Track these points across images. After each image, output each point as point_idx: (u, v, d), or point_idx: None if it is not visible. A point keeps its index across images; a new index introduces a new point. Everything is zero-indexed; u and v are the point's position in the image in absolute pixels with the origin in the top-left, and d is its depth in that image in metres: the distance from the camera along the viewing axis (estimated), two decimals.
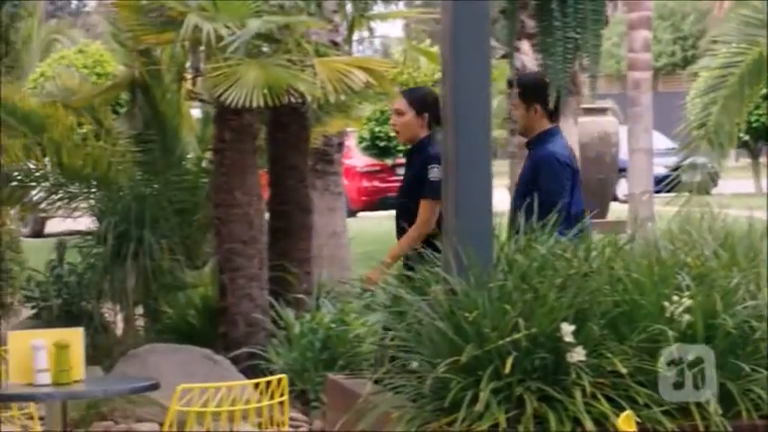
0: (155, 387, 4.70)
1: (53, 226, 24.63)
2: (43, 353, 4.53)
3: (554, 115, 6.45)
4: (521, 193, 6.26)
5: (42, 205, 10.77)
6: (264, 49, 9.09)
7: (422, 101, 6.83)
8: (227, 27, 8.64)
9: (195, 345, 8.88)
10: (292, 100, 8.76)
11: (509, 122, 9.90)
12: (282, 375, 4.17)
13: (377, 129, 32.83)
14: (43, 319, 10.12)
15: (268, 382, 3.96)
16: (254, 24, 8.66)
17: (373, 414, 4.65)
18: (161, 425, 8.23)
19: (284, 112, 9.29)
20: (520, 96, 6.42)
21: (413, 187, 6.79)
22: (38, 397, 4.52)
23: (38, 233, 22.59)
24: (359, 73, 8.73)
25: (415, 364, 5.10)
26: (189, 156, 10.82)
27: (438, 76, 12.28)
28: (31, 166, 10.50)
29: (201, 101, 10.11)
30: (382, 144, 32.84)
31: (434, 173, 6.58)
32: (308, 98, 8.86)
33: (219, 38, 8.62)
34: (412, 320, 5.04)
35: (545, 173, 6.31)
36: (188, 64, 10.02)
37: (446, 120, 4.93)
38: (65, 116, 10.51)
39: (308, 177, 9.88)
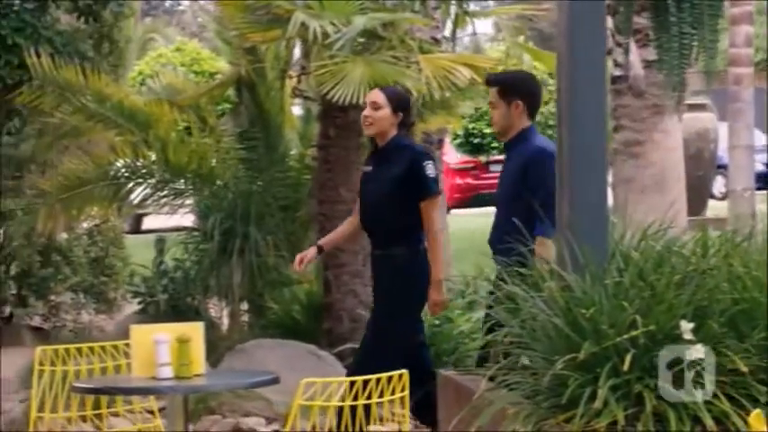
0: (275, 381, 4.75)
1: (149, 222, 25.01)
2: (166, 347, 4.60)
3: (534, 112, 6.34)
4: (509, 195, 6.21)
5: (148, 202, 10.90)
6: (369, 46, 9.11)
7: (399, 100, 6.76)
8: (333, 24, 8.70)
9: (299, 340, 8.95)
10: None
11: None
12: (404, 371, 4.21)
13: (471, 125, 32.83)
14: (149, 314, 10.27)
15: (390, 378, 4.00)
16: (360, 21, 8.71)
17: (490, 411, 4.65)
18: (267, 419, 8.34)
19: None
20: (499, 95, 6.26)
21: (398, 184, 6.60)
22: (161, 390, 4.59)
23: (135, 229, 22.92)
24: (463, 69, 8.74)
25: (526, 361, 5.11)
26: (291, 153, 10.90)
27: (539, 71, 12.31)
28: (137, 163, 10.64)
29: (306, 98, 10.19)
30: (476, 141, 32.81)
31: (429, 169, 6.58)
32: (413, 95, 8.88)
33: (325, 35, 8.67)
34: (526, 317, 5.05)
35: (541, 171, 6.09)
36: (292, 62, 10.10)
37: (561, 116, 4.93)
38: (170, 114, 10.66)
39: None
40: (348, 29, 8.69)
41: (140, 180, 10.63)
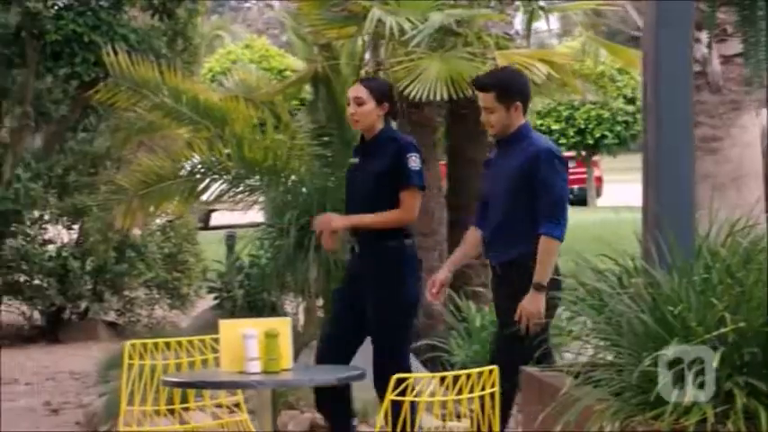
0: (361, 377, 4.78)
1: (218, 219, 25.20)
2: (254, 342, 4.64)
3: (527, 108, 6.30)
4: (510, 192, 6.12)
5: (224, 198, 10.96)
6: (444, 42, 9.11)
7: (382, 91, 6.68)
8: (410, 21, 8.70)
9: None
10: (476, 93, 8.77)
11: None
12: (494, 366, 4.22)
13: (539, 122, 32.67)
14: (225, 310, 10.34)
15: (480, 373, 4.01)
16: (437, 18, 8.71)
17: (576, 408, 4.64)
18: None
19: (463, 105, 9.31)
20: (497, 99, 6.15)
21: (384, 178, 6.51)
22: (250, 385, 4.63)
23: (205, 226, 23.13)
24: (540, 65, 8.72)
25: (609, 357, 5.09)
26: None
27: (615, 67, 12.24)
28: (213, 160, 10.70)
29: None
30: None
31: (414, 161, 6.49)
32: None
33: (402, 31, 8.68)
34: (610, 313, 5.03)
35: (550, 170, 6.09)
36: (367, 58, 10.12)
37: (648, 111, 4.92)
38: (245, 110, 10.71)
39: None
40: (425, 25, 8.69)
41: (216, 176, 10.67)
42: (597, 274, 5.42)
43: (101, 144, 15.66)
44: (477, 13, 9.13)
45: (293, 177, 10.56)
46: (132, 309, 15.31)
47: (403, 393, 4.04)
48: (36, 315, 15.31)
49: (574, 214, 23.67)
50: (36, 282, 14.86)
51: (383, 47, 9.61)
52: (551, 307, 6.12)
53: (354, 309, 6.46)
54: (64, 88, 15.11)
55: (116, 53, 11.14)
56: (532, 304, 5.96)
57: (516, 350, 5.87)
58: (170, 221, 15.08)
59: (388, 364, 5.96)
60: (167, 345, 5.10)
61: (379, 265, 6.48)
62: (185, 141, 10.89)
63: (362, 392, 8.23)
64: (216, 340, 5.15)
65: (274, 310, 9.91)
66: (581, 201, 33.10)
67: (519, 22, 10.67)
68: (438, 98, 8.53)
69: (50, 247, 15.00)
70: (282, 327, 4.78)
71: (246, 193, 10.72)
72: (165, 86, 10.82)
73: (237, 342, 4.69)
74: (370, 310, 6.41)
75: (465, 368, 8.04)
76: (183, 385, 4.94)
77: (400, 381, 4.11)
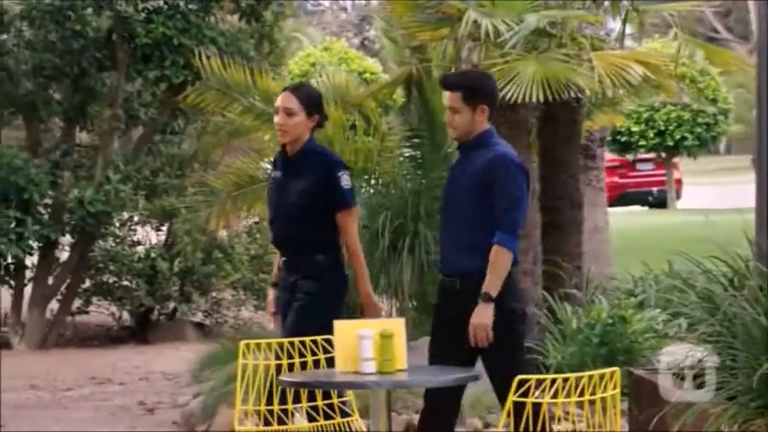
0: (476, 378, 4.79)
1: None
2: (369, 342, 4.67)
3: (494, 114, 6.03)
4: (469, 198, 5.81)
5: None
6: (540, 43, 9.08)
7: (313, 102, 6.32)
8: (505, 22, 8.69)
9: None
10: (571, 95, 8.75)
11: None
12: (615, 369, 4.20)
13: (618, 123, 32.37)
14: None
15: (602, 375, 4.00)
16: (532, 19, 8.68)
17: (694, 411, 4.63)
18: None
19: (556, 107, 9.27)
20: (464, 100, 5.87)
21: (314, 196, 6.18)
22: (367, 385, 4.64)
23: None
24: (636, 67, 8.65)
25: (719, 359, 5.06)
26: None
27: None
28: None
29: None
30: (623, 139, 32.54)
31: (345, 181, 6.21)
32: (587, 93, 8.84)
33: (497, 33, 8.67)
34: (722, 316, 5.00)
35: (507, 177, 5.80)
36: (459, 60, 10.10)
37: (762, 114, 4.89)
38: (335, 112, 10.75)
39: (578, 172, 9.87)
40: (520, 27, 8.66)
41: None
42: (707, 276, 5.39)
43: (188, 146, 15.82)
44: (572, 14, 9.08)
45: (383, 179, 10.61)
46: (219, 310, 15.44)
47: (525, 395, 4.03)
48: (125, 316, 15.49)
49: (655, 217, 23.64)
50: (125, 283, 15.04)
51: (477, 48, 9.58)
52: (518, 337, 5.89)
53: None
54: (153, 91, 15.27)
55: (207, 56, 11.25)
56: (480, 316, 5.57)
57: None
58: (256, 223, 15.17)
59: None
60: (280, 345, 5.14)
61: (306, 280, 6.24)
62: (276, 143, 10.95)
63: None
64: (328, 341, 5.18)
65: (364, 313, 9.91)
66: (661, 203, 32.82)
67: (610, 23, 10.61)
68: (533, 100, 8.49)
69: (139, 249, 15.18)
70: (397, 327, 4.80)
71: None
72: (257, 89, 10.91)
73: (352, 342, 4.72)
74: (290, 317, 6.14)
75: (560, 371, 8.03)
76: (300, 385, 4.97)
77: (523, 382, 4.12)
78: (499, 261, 5.71)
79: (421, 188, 9.98)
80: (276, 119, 6.23)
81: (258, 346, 5.16)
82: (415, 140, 10.68)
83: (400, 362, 4.75)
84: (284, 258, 6.33)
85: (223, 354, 11.02)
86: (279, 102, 6.26)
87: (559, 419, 5.27)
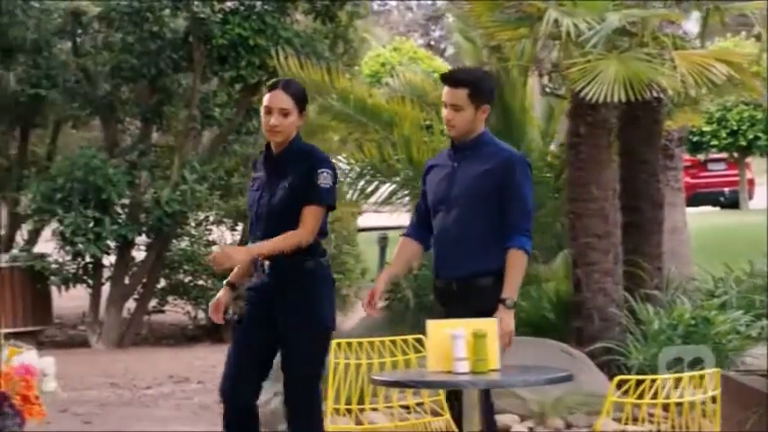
0: (569, 378, 4.77)
1: (362, 221, 25.37)
2: (462, 342, 4.66)
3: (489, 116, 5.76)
4: (474, 200, 5.55)
5: (392, 200, 11.02)
6: (620, 42, 9.02)
7: (303, 97, 5.87)
8: (586, 21, 8.64)
9: (549, 338, 8.93)
10: (653, 94, 8.68)
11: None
12: (716, 369, 4.17)
13: (697, 123, 32.06)
14: (395, 312, 10.37)
15: (701, 376, 3.97)
16: (614, 18, 8.61)
17: None
18: (521, 417, 8.35)
19: (637, 107, 9.21)
20: (470, 98, 5.58)
21: (299, 195, 5.72)
22: (460, 384, 4.64)
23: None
24: (719, 66, 8.57)
25: None
26: (533, 150, 10.89)
27: None
28: (382, 162, 10.76)
29: (557, 96, 10.15)
30: (695, 139, 32.25)
31: (325, 178, 5.73)
32: (669, 92, 8.77)
33: (578, 33, 8.62)
34: None
35: (523, 179, 5.59)
36: (538, 59, 10.07)
37: None
38: (412, 112, 10.76)
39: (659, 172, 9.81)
40: (601, 26, 8.60)
41: (385, 178, 10.74)
42: None
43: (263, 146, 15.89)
44: (653, 12, 9.01)
45: None
46: None
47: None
48: (200, 315, 15.59)
49: (728, 217, 23.29)
50: (200, 282, 15.14)
51: (556, 48, 9.54)
52: None
53: (262, 331, 5.81)
54: (228, 91, 15.39)
55: (285, 56, 11.30)
56: (507, 323, 5.26)
57: None
58: (330, 223, 15.20)
59: (301, 394, 5.75)
60: (371, 344, 5.15)
61: (294, 287, 5.76)
62: (355, 143, 10.98)
63: (537, 394, 8.24)
64: (418, 340, 5.18)
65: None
66: (732, 204, 32.51)
67: (685, 23, 10.53)
68: (615, 99, 8.44)
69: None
70: (490, 327, 4.79)
71: (416, 195, 10.79)
72: (334, 89, 10.93)
73: (445, 342, 4.72)
74: (284, 335, 5.75)
75: (642, 372, 7.97)
76: (394, 384, 4.98)
77: (623, 382, 4.10)
78: (519, 265, 5.50)
79: None
80: (271, 120, 5.73)
81: (349, 345, 5.16)
82: None
83: (493, 362, 4.74)
84: (266, 262, 5.76)
85: None
86: (271, 101, 5.75)
87: (642, 420, 5.24)
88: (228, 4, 14.48)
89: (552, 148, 11.27)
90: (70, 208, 14.27)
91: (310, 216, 5.71)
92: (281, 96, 5.74)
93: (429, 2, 49.54)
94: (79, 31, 15.47)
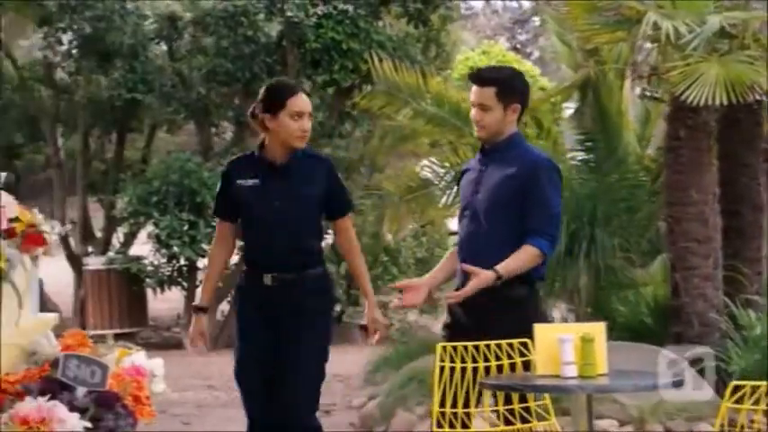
0: (679, 384, 4.73)
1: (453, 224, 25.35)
2: (570, 345, 4.64)
3: (522, 116, 5.56)
4: (501, 204, 5.31)
5: None
6: (721, 45, 8.92)
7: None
8: (686, 24, 8.55)
9: (647, 343, 8.85)
10: (756, 97, 8.58)
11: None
12: None
13: None
14: None
15: None
16: (714, 20, 8.51)
17: None
18: (620, 422, 8.29)
19: (738, 109, 9.09)
20: (498, 96, 5.35)
21: (319, 204, 5.53)
22: (569, 389, 4.63)
23: None
24: None
25: None
26: (629, 154, 10.81)
27: None
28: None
29: (655, 99, 10.07)
30: None
31: (343, 182, 5.66)
32: None
33: (677, 35, 8.54)
34: None
35: (551, 184, 5.37)
36: (637, 62, 10.01)
37: None
38: None
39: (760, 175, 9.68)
40: (702, 29, 8.51)
41: None
42: None
43: (355, 150, 15.96)
44: (754, 14, 8.90)
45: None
46: (386, 313, 15.48)
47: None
48: None
49: None
50: None
51: (654, 50, 9.47)
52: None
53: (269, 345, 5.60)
54: (321, 95, 15.45)
55: (380, 60, 11.33)
56: (481, 283, 5.15)
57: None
58: (422, 226, 15.23)
59: (302, 406, 5.57)
60: (476, 348, 5.15)
61: (310, 297, 5.58)
62: (450, 147, 10.98)
63: (637, 399, 8.18)
64: (523, 344, 5.17)
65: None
66: None
67: None
68: (717, 102, 8.35)
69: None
70: (598, 331, 4.76)
71: None
72: (429, 93, 10.93)
73: (552, 346, 4.70)
74: (293, 347, 5.55)
75: (745, 378, 7.87)
76: (503, 387, 4.97)
77: (737, 388, 4.05)
78: (526, 257, 5.26)
79: (597, 192, 9.88)
80: (305, 125, 5.49)
81: (455, 348, 5.17)
82: (589, 144, 10.60)
83: (601, 366, 4.71)
84: (273, 274, 5.52)
85: (395, 356, 11.08)
86: (297, 106, 5.50)
87: (742, 427, 5.17)
88: (322, 8, 14.55)
89: (649, 151, 11.18)
90: (166, 211, 14.44)
91: (350, 226, 5.68)
92: (306, 100, 5.55)
93: (516, 5, 49.45)
94: (174, 35, 15.63)
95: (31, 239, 4.85)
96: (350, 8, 14.47)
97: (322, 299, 5.64)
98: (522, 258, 5.27)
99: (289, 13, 14.47)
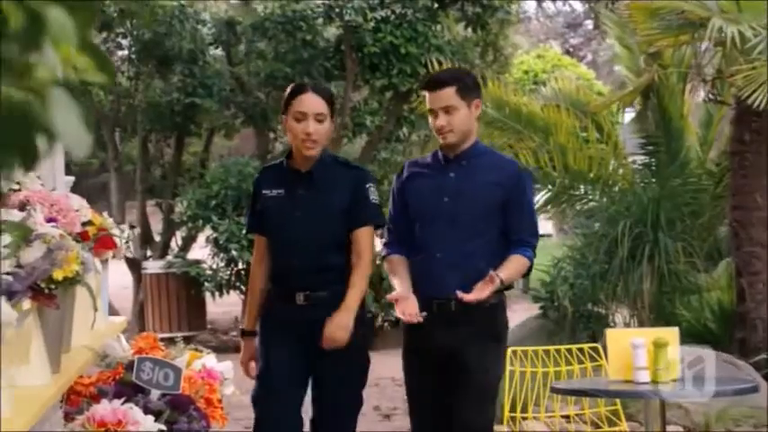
0: (755, 390, 4.68)
1: None
2: (643, 351, 4.62)
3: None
4: (483, 212, 5.01)
5: (548, 207, 10.98)
6: None
7: (334, 100, 5.24)
8: (752, 28, 8.50)
9: (712, 349, 8.79)
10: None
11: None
12: None
13: None
14: (551, 319, 10.32)
15: None
16: None
17: None
18: (685, 428, 8.24)
19: None
20: (459, 94, 5.01)
21: (346, 215, 5.03)
22: (643, 394, 4.60)
23: None
24: None
25: None
26: (692, 158, 10.75)
27: None
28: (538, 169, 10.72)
29: (721, 102, 10.00)
30: None
31: (373, 193, 5.10)
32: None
33: (743, 39, 8.49)
34: None
35: (529, 190, 5.18)
36: (701, 65, 9.95)
37: None
38: (567, 120, 10.70)
39: None
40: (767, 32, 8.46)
41: (540, 185, 10.70)
42: None
43: (413, 154, 15.95)
44: None
45: (617, 187, 10.51)
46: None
47: None
48: None
49: None
50: None
51: (718, 54, 9.41)
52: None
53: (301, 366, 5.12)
54: (379, 99, 15.47)
55: (439, 64, 11.33)
56: (481, 291, 4.82)
57: (486, 411, 4.95)
58: None
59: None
60: (546, 352, 5.13)
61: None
62: (510, 151, 10.94)
63: (702, 406, 8.11)
64: (593, 349, 5.14)
65: (599, 321, 9.84)
66: None
67: None
68: None
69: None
70: (671, 336, 4.73)
71: (572, 203, 10.74)
72: (489, 96, 10.91)
73: (625, 351, 4.67)
74: (329, 369, 5.06)
75: None
76: (576, 392, 4.95)
77: None
78: (521, 266, 5.01)
79: (660, 196, 9.82)
80: (309, 127, 5.00)
81: (525, 353, 5.15)
82: (651, 148, 10.55)
83: (674, 371, 4.69)
84: (305, 293, 5.05)
85: None
86: (304, 107, 5.01)
87: None
88: (380, 12, 14.56)
89: (711, 155, 11.11)
90: (224, 215, 14.48)
91: (368, 239, 5.06)
92: (316, 100, 5.03)
93: (568, 9, 49.30)
94: (233, 40, 15.70)
95: (103, 243, 4.87)
96: (408, 12, 14.48)
97: (358, 320, 5.00)
98: (518, 269, 5.02)
99: (347, 18, 14.50)
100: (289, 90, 5.11)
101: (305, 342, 4.99)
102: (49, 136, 1.27)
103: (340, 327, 4.87)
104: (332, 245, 5.01)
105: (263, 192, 5.18)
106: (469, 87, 5.09)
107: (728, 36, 8.50)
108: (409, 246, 5.11)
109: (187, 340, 14.49)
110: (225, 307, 16.94)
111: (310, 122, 4.96)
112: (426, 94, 5.13)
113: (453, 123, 5.03)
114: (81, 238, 4.62)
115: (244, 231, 14.44)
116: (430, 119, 5.11)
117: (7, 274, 3.27)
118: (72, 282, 4.31)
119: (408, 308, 4.91)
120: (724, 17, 8.65)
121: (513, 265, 4.98)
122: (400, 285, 5.02)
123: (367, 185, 5.08)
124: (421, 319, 4.82)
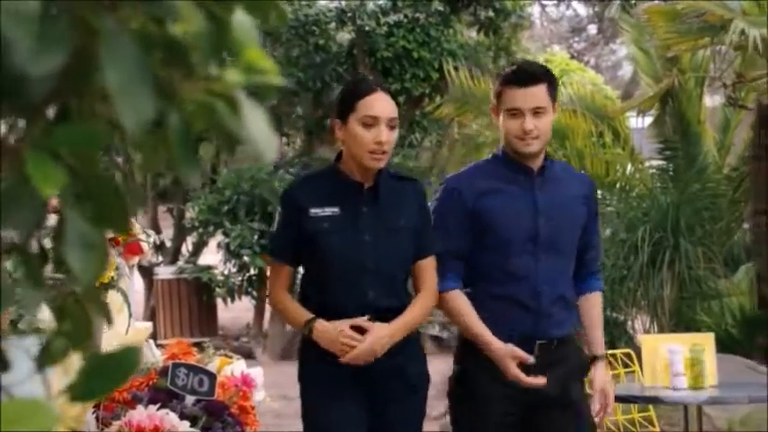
0: None
1: None
2: (679, 357, 4.58)
3: None
4: (574, 235, 4.34)
5: None
6: None
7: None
8: None
9: (733, 355, 8.74)
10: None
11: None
12: None
13: None
14: None
15: None
16: None
17: None
18: None
19: None
20: (549, 93, 4.22)
21: (414, 236, 4.22)
22: (680, 400, 4.56)
23: None
24: None
25: None
26: (710, 163, 10.71)
27: None
28: None
29: (742, 107, 9.96)
30: None
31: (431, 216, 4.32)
32: None
33: (765, 43, 8.43)
34: None
35: (597, 203, 4.52)
36: (712, 69, 9.92)
37: None
38: (584, 125, 10.66)
39: None
40: None
41: None
42: None
43: (425, 159, 15.92)
44: None
45: (635, 192, 10.47)
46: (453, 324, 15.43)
47: None
48: None
49: None
50: None
51: (737, 58, 9.36)
52: None
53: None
54: None
55: (456, 69, 11.30)
56: (604, 380, 4.30)
57: None
58: None
59: None
60: None
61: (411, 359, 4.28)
62: None
63: (725, 411, 8.06)
64: (626, 355, 5.10)
65: (617, 326, 9.78)
66: None
67: None
68: None
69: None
70: (707, 342, 4.69)
71: None
72: None
73: (661, 357, 4.63)
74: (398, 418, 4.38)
75: None
76: (614, 399, 4.90)
77: None
78: (600, 310, 4.44)
79: (679, 201, 9.77)
80: (381, 135, 4.11)
81: None
82: (669, 152, 10.51)
83: (711, 377, 4.64)
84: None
85: None
86: (378, 110, 4.13)
87: None
88: (393, 17, 14.53)
89: (728, 160, 11.07)
90: (236, 220, 14.44)
91: (434, 271, 4.23)
92: (388, 103, 4.17)
93: (572, 13, 49.24)
94: None
95: (132, 248, 4.84)
96: (421, 16, 14.45)
97: (422, 359, 4.35)
98: (599, 314, 4.42)
99: (360, 22, 14.47)
100: (351, 88, 4.28)
101: (377, 398, 4.23)
102: (230, 141, 1.24)
103: (373, 348, 4.08)
104: (402, 275, 4.20)
105: (312, 211, 4.18)
106: (556, 87, 4.30)
107: (750, 39, 8.44)
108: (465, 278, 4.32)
109: (198, 346, 14.54)
110: (235, 312, 16.89)
111: (383, 129, 4.09)
112: (511, 90, 4.20)
113: (541, 128, 4.19)
114: (114, 243, 4.59)
115: (256, 237, 14.42)
116: (503, 119, 4.23)
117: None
118: (107, 287, 4.28)
119: (517, 354, 4.14)
120: (746, 20, 8.59)
121: (598, 320, 4.39)
122: (480, 330, 4.21)
123: (429, 204, 4.30)
124: (533, 360, 4.12)
